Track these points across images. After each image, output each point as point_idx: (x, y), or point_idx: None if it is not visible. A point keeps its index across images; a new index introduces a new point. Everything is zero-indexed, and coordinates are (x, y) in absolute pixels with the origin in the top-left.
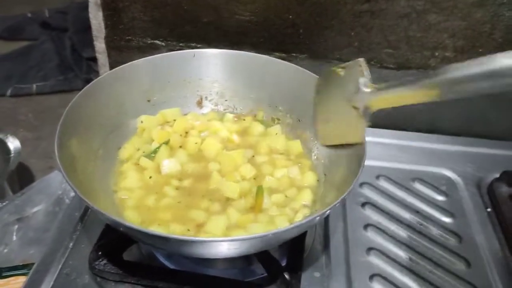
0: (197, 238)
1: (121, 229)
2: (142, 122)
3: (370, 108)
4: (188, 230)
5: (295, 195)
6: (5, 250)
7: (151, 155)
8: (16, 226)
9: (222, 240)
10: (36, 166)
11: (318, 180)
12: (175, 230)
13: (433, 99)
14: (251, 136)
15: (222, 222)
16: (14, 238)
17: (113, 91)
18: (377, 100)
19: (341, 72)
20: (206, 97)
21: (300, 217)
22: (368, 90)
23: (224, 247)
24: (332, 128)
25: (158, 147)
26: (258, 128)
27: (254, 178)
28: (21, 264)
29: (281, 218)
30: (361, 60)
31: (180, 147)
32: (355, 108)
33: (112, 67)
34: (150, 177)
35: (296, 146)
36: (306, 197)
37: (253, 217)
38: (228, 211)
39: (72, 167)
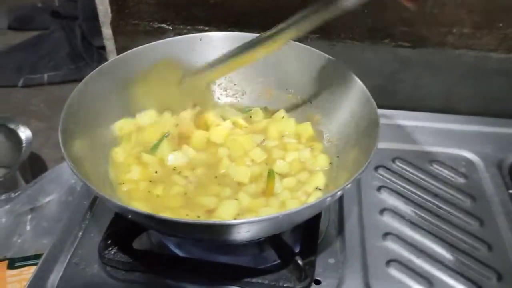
0: (206, 221)
1: (130, 216)
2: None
3: None
4: (198, 216)
5: (307, 178)
6: (19, 241)
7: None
8: (29, 216)
9: (232, 223)
10: (48, 156)
11: (330, 163)
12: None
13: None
14: (258, 122)
15: (233, 207)
16: (28, 228)
17: (119, 77)
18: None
19: None
20: (214, 82)
21: (312, 201)
22: None
23: (234, 230)
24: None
25: (159, 142)
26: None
27: (266, 163)
28: (34, 254)
29: (292, 202)
30: None
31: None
32: None
33: (119, 53)
34: (156, 172)
35: (307, 128)
36: (319, 180)
37: (265, 201)
38: (239, 196)
39: (77, 155)
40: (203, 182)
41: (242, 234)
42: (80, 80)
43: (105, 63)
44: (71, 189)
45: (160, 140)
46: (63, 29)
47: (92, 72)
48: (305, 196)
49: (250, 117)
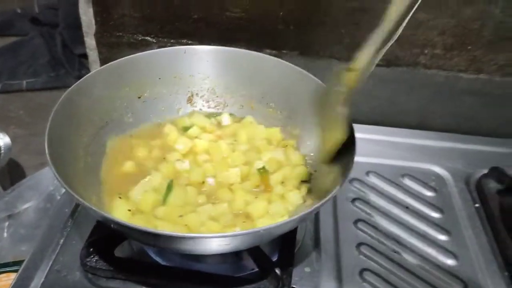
0: (187, 235)
1: (112, 225)
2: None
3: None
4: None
5: (291, 172)
6: None
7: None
8: (6, 223)
9: (213, 236)
10: (27, 162)
11: (305, 159)
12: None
13: None
14: (227, 127)
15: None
16: (5, 235)
17: (103, 87)
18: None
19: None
20: (197, 94)
21: (305, 191)
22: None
23: (215, 243)
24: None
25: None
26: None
27: (244, 165)
28: (12, 261)
29: (292, 194)
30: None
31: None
32: (336, 104)
33: (102, 63)
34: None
35: (275, 133)
36: (303, 173)
37: (268, 197)
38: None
39: (62, 163)
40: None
41: (223, 246)
42: (60, 87)
43: (91, 73)
44: (50, 196)
45: (169, 189)
46: (43, 36)
47: (79, 81)
48: (296, 190)
49: (218, 123)
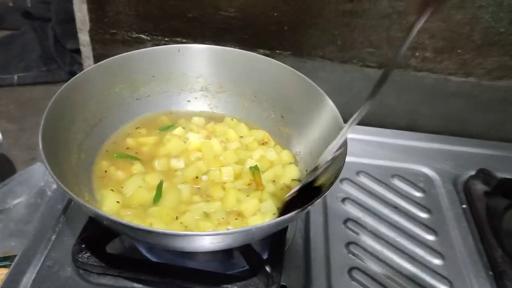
0: (180, 232)
1: (105, 222)
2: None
3: None
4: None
5: (282, 171)
6: None
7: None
8: None
9: (205, 234)
10: (18, 157)
11: (295, 158)
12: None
13: None
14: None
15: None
16: None
17: (98, 84)
18: None
19: None
20: (190, 92)
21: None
22: None
23: (206, 241)
24: None
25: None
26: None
27: (236, 163)
28: (2, 256)
29: (281, 192)
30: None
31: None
32: None
33: (96, 60)
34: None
35: (261, 133)
36: (293, 172)
37: (259, 194)
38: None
39: (55, 159)
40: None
41: (215, 244)
42: (52, 82)
43: (86, 69)
44: (41, 191)
45: (159, 191)
46: (35, 30)
47: (74, 77)
48: (287, 188)
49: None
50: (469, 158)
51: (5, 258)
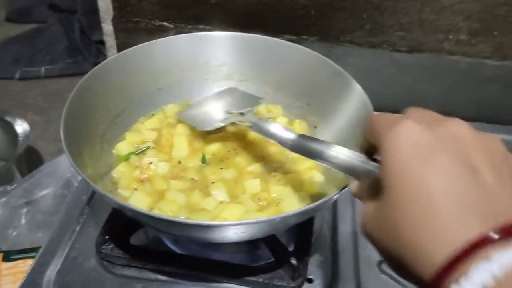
0: (202, 222)
1: (128, 213)
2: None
3: None
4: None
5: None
6: (14, 233)
7: None
8: (24, 210)
9: (228, 224)
10: (44, 149)
11: None
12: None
13: None
14: None
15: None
16: (23, 221)
17: (120, 74)
18: None
19: None
20: (213, 82)
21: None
22: None
23: (230, 231)
24: None
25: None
26: None
27: None
28: (29, 247)
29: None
30: None
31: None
32: None
33: (119, 49)
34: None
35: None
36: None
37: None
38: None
39: (78, 151)
40: None
41: (239, 234)
42: (77, 74)
43: (108, 59)
44: (67, 182)
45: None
46: (61, 23)
47: (95, 68)
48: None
49: None
50: (505, 145)
51: (32, 250)
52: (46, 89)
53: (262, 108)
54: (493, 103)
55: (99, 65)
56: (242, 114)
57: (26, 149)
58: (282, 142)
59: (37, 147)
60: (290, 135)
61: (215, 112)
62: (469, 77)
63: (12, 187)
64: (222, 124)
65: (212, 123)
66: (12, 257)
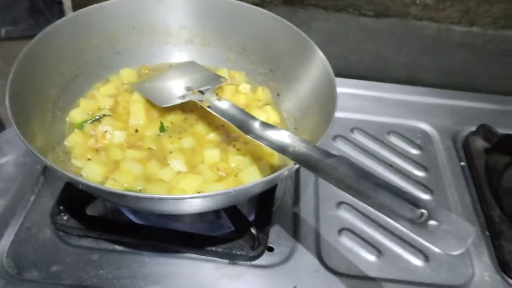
0: (154, 196)
1: (79, 186)
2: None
3: None
4: None
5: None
6: None
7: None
8: None
9: (182, 197)
10: (5, 115)
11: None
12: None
13: None
14: None
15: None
16: None
17: (73, 36)
18: None
19: None
20: (173, 45)
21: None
22: None
23: (184, 204)
24: None
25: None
26: None
27: None
28: None
29: None
30: None
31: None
32: None
33: (76, 10)
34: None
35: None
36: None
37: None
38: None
39: (27, 118)
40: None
41: (194, 207)
42: None
43: (58, 20)
44: (29, 150)
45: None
46: None
47: (44, 29)
48: None
49: None
50: (471, 113)
51: None
52: (7, 51)
53: (224, 73)
54: (462, 70)
55: (49, 26)
56: (202, 92)
57: None
58: (242, 128)
59: None
60: (250, 120)
61: (174, 87)
62: (436, 43)
63: None
64: (180, 101)
65: (170, 99)
66: None
